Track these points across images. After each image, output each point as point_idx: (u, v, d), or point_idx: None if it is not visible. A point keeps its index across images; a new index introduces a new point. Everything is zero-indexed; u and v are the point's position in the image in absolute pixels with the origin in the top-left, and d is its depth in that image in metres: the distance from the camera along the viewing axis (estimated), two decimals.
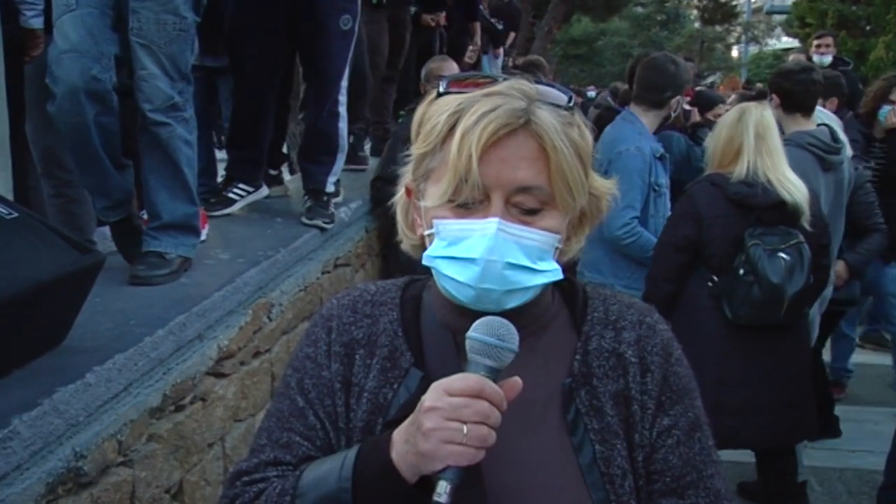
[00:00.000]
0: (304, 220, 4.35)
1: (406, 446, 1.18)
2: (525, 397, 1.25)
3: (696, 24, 41.61)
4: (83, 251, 2.44)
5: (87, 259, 2.43)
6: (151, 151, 3.19)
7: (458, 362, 1.21)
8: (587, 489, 1.27)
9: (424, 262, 1.30)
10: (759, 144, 3.62)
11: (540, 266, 1.26)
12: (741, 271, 3.52)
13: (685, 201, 3.76)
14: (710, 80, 27.21)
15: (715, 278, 3.61)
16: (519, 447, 1.29)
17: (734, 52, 41.82)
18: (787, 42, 33.34)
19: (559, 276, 1.29)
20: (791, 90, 4.38)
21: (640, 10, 41.13)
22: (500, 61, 12.15)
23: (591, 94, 18.01)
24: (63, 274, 2.31)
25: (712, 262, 3.63)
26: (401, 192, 1.42)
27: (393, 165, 3.18)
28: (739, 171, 3.61)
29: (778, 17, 35.68)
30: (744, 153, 3.62)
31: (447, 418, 1.14)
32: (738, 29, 39.35)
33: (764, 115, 3.69)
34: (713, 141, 3.83)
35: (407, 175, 1.37)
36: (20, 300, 2.15)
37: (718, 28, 40.10)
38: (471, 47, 10.62)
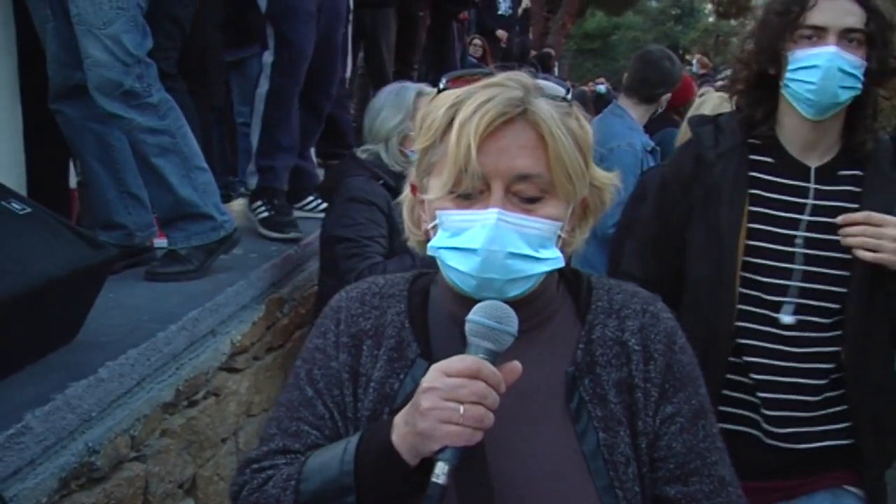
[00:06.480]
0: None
1: (406, 427, 1.20)
2: (529, 386, 1.27)
3: (711, 19, 41.41)
4: (95, 247, 2.44)
5: (100, 254, 2.43)
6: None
7: (464, 353, 1.22)
8: (591, 476, 1.28)
9: (429, 252, 1.32)
10: None
11: (542, 254, 1.27)
12: None
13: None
14: (725, 73, 27.08)
15: None
16: (523, 435, 1.30)
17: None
18: None
19: (561, 263, 1.30)
20: None
21: (654, 4, 41.02)
22: None
23: (602, 88, 17.51)
24: (76, 269, 2.31)
25: None
26: (406, 191, 1.44)
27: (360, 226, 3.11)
28: None
29: None
30: None
31: (444, 398, 1.16)
32: (753, 23, 39.17)
33: (723, 105, 3.54)
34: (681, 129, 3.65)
35: (411, 173, 1.40)
36: (33, 295, 2.15)
37: (733, 22, 39.87)
38: (476, 41, 10.56)
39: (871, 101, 2.14)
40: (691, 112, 3.59)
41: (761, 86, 2.20)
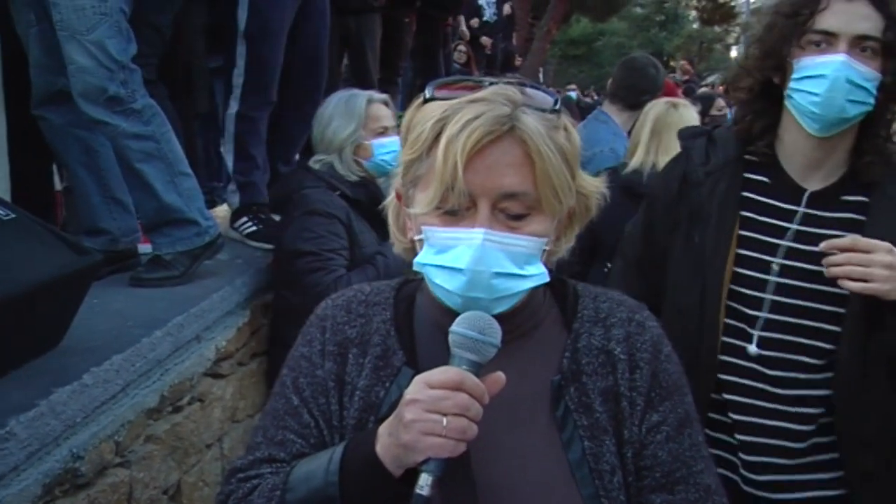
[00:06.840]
0: None
1: (389, 439, 1.20)
2: (514, 394, 1.27)
3: (695, 25, 41.68)
4: (80, 252, 2.44)
5: (85, 260, 2.43)
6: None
7: (449, 361, 1.23)
8: (576, 485, 1.28)
9: (415, 267, 1.32)
10: (653, 141, 3.53)
11: (527, 271, 1.28)
12: None
13: None
14: (709, 80, 27.24)
15: (609, 265, 3.33)
16: (508, 444, 1.31)
17: (733, 53, 41.88)
18: None
19: (545, 278, 1.31)
20: None
21: (639, 10, 41.24)
22: None
23: (572, 95, 17.65)
24: (60, 275, 2.31)
25: (603, 249, 3.50)
26: (391, 197, 1.44)
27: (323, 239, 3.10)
28: (634, 162, 3.53)
29: None
30: (640, 146, 3.56)
31: (427, 410, 1.16)
32: (737, 29, 39.42)
33: (668, 112, 3.58)
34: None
35: (396, 180, 1.39)
36: (17, 301, 2.15)
37: (717, 28, 40.17)
38: (461, 47, 10.57)
39: (884, 120, 1.88)
40: (640, 121, 3.62)
41: (764, 96, 1.94)
